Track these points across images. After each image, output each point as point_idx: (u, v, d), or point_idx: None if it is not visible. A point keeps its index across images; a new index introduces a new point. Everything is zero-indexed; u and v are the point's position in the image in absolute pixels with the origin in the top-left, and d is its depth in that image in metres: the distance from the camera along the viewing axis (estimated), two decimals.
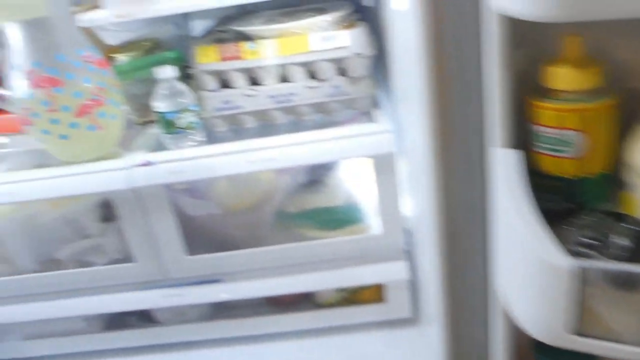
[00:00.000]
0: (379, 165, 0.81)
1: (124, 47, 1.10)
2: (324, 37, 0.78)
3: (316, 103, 0.85)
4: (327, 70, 0.81)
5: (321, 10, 0.84)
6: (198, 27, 1.14)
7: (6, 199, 0.81)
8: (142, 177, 0.79)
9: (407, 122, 0.76)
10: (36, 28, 0.72)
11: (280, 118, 0.87)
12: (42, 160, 0.90)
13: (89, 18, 0.70)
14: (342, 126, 0.86)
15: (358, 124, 0.84)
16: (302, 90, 0.83)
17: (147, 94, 0.95)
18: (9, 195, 0.81)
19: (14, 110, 0.77)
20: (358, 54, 0.79)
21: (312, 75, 0.83)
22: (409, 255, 0.90)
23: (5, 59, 0.75)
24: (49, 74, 0.74)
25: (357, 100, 0.85)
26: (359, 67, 0.81)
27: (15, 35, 0.73)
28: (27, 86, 0.74)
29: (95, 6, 1.00)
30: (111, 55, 1.02)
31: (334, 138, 0.79)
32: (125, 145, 0.89)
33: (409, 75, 0.65)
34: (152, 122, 0.95)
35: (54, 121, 0.76)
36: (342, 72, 0.82)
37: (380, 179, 0.83)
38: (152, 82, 0.94)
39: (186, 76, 1.02)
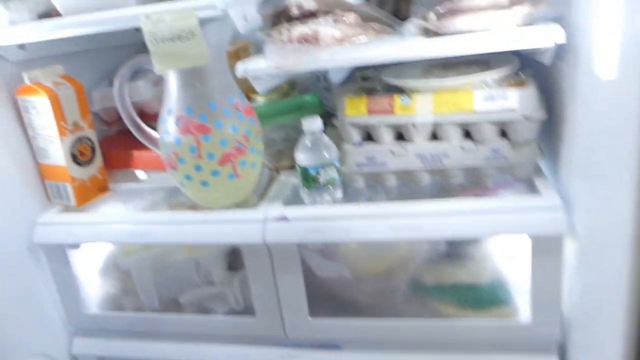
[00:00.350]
0: (540, 245, 0.70)
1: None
2: (490, 95, 0.70)
3: (469, 166, 0.76)
4: (488, 132, 0.72)
5: (485, 64, 0.76)
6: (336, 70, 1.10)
7: (142, 240, 0.81)
8: (277, 233, 0.75)
9: (588, 199, 0.64)
10: (193, 75, 0.72)
11: (425, 179, 0.79)
12: (175, 198, 0.90)
13: (245, 68, 0.68)
14: (494, 192, 0.76)
15: (516, 194, 0.74)
16: (455, 152, 0.75)
17: (283, 140, 0.92)
18: (145, 236, 0.80)
19: (162, 152, 0.77)
20: (526, 117, 0.70)
21: (468, 136, 0.75)
22: (561, 348, 0.76)
23: (162, 102, 0.75)
24: (200, 121, 0.72)
25: (517, 166, 0.75)
26: (525, 131, 0.71)
27: (172, 80, 0.73)
28: (177, 131, 0.73)
29: (244, 46, 1.01)
30: (249, 96, 1.01)
31: (491, 211, 0.69)
32: (257, 191, 0.86)
33: (607, 151, 0.54)
34: (285, 167, 0.92)
35: (198, 168, 0.74)
36: (504, 134, 0.73)
37: (538, 260, 0.71)
38: (289, 127, 0.92)
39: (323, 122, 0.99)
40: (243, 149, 0.76)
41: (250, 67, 0.68)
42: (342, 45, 0.65)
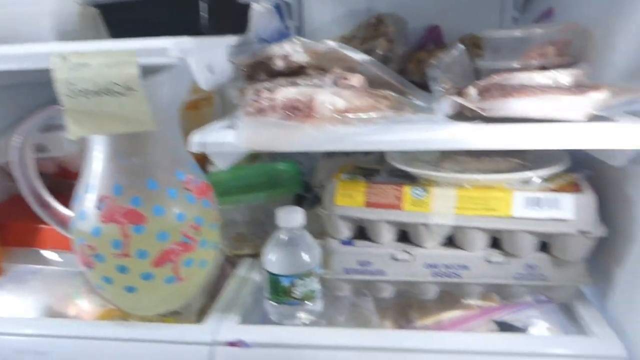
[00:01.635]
0: None
1: None
2: (535, 200, 0.52)
3: (493, 284, 0.57)
4: (525, 245, 0.54)
5: (522, 153, 0.58)
6: None
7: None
8: None
9: None
10: (128, 141, 0.50)
11: (432, 291, 0.60)
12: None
13: (203, 142, 0.46)
14: (524, 322, 0.58)
15: (553, 328, 0.56)
16: (478, 264, 0.56)
17: (246, 222, 0.71)
18: (41, 355, 0.56)
19: (73, 242, 0.54)
20: (582, 232, 0.52)
21: (495, 244, 0.56)
22: None
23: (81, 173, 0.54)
24: (131, 206, 0.51)
25: (556, 289, 0.57)
26: (576, 249, 0.53)
27: (97, 146, 0.51)
28: (98, 217, 0.51)
29: (206, 96, 0.80)
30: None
31: (520, 353, 0.51)
32: (207, 289, 0.65)
33: None
34: (248, 255, 0.71)
35: (122, 269, 0.52)
36: (545, 247, 0.55)
37: None
38: (255, 206, 0.71)
39: (299, 198, 0.79)
40: (190, 244, 0.54)
41: (212, 141, 0.47)
42: (347, 121, 0.45)
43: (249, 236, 0.70)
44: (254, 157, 0.80)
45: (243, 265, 0.69)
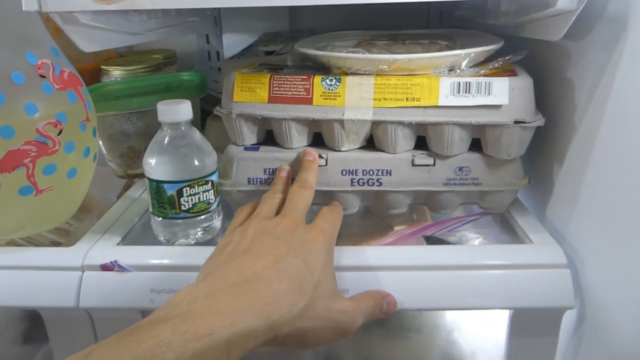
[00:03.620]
0: (524, 321, 0.46)
1: (121, 58, 0.77)
2: (464, 85, 0.44)
3: (421, 191, 0.50)
4: (454, 141, 0.46)
5: (449, 39, 0.50)
6: (233, 44, 0.81)
7: None
8: (102, 291, 0.44)
9: (604, 260, 0.40)
10: None
11: (353, 203, 0.52)
12: None
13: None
14: (450, 229, 0.52)
15: (488, 238, 0.50)
16: (402, 168, 0.48)
17: (139, 133, 0.61)
18: None
19: None
20: (518, 121, 0.44)
21: (423, 145, 0.48)
22: None
23: None
24: None
25: (491, 195, 0.50)
26: (513, 143, 0.46)
27: None
28: None
29: None
30: (102, 67, 0.69)
31: (450, 264, 0.44)
32: (92, 215, 0.55)
33: None
34: (141, 175, 0.61)
35: None
36: (478, 145, 0.48)
37: (519, 343, 0.47)
38: (149, 115, 0.60)
39: (206, 115, 0.69)
40: (49, 145, 0.44)
41: None
42: None
43: (143, 151, 0.60)
44: (157, 68, 0.69)
45: (136, 186, 0.59)
